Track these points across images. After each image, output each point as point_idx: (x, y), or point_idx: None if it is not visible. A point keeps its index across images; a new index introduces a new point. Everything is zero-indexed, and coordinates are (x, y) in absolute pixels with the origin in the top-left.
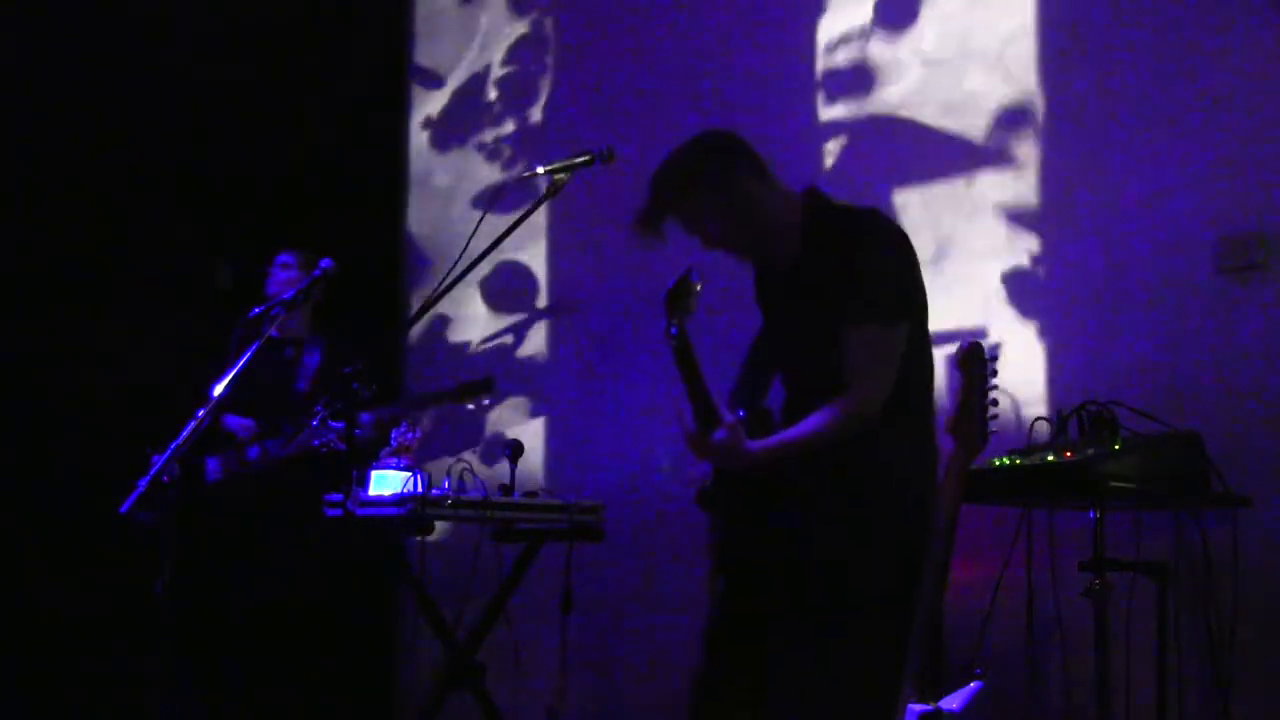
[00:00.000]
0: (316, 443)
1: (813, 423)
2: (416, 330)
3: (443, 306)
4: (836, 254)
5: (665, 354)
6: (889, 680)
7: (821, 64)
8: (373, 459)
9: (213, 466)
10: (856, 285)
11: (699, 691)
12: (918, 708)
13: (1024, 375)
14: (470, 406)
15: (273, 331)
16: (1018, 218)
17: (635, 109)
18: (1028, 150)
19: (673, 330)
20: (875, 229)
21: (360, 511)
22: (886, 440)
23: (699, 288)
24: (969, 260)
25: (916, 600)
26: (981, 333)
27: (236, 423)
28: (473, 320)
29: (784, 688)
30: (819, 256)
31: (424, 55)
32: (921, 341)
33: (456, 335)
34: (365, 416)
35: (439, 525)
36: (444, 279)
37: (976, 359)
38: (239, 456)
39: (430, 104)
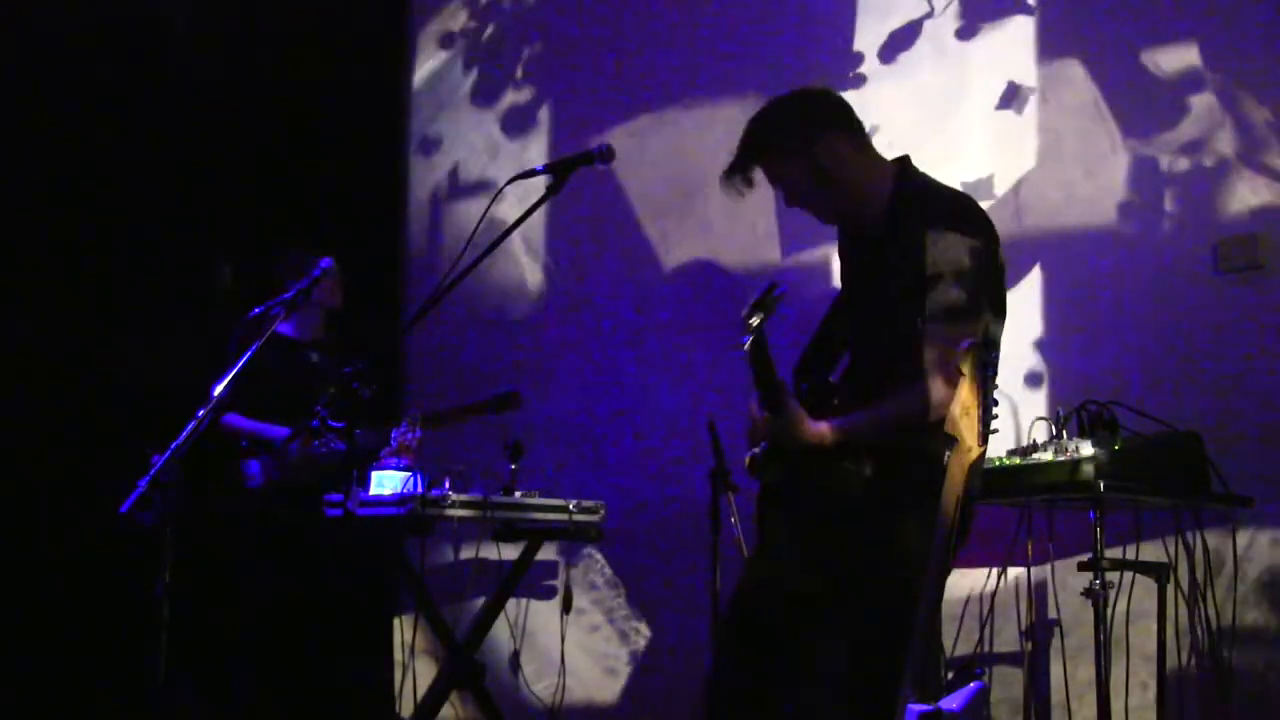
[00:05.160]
0: (316, 443)
1: (882, 408)
2: (415, 330)
3: (442, 306)
4: (923, 237)
5: (665, 355)
6: (893, 662)
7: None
8: (373, 459)
9: (254, 470)
10: (941, 278)
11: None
12: (918, 708)
13: (1024, 375)
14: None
15: (294, 335)
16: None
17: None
18: (1027, 150)
19: (745, 338)
20: (967, 217)
21: (360, 511)
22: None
23: (781, 298)
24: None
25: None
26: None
27: (270, 429)
28: (472, 320)
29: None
30: (904, 233)
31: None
32: (996, 335)
33: (456, 335)
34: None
35: (439, 525)
36: (444, 279)
37: (976, 359)
38: (283, 461)
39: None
